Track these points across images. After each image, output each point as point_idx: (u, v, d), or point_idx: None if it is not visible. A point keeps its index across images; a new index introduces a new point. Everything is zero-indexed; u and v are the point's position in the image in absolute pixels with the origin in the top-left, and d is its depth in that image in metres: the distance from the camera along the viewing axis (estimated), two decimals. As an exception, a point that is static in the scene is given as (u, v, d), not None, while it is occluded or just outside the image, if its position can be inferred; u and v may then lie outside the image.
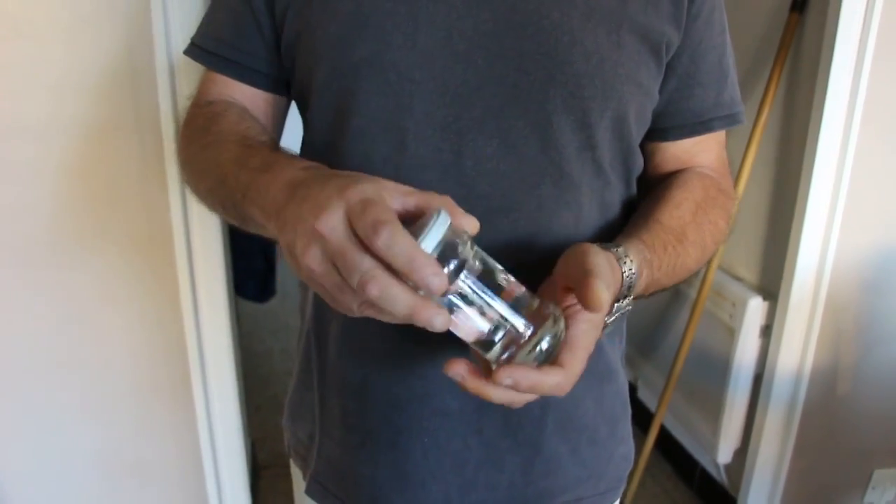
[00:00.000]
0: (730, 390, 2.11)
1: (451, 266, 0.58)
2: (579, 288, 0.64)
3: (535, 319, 0.62)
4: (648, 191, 0.92)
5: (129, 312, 1.51)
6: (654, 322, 2.54)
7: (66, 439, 1.57)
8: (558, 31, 0.77)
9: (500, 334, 0.62)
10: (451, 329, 0.62)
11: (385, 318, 0.59)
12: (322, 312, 0.91)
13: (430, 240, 0.56)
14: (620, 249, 0.73)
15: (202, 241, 1.49)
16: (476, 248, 0.62)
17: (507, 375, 0.61)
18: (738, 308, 2.05)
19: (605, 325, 0.74)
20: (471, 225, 0.62)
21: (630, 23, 0.80)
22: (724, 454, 2.21)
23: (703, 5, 0.84)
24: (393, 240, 0.54)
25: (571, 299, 0.67)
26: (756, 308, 2.02)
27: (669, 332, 2.46)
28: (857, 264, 1.89)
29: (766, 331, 2.03)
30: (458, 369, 0.63)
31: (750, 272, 2.18)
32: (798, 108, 1.94)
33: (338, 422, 0.92)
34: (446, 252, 0.58)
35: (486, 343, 0.63)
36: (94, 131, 1.37)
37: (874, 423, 2.02)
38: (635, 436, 1.04)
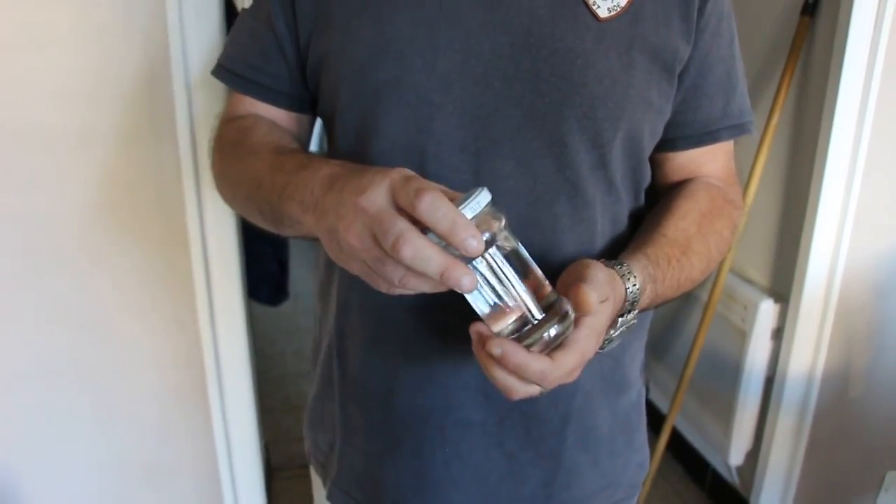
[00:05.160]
0: (741, 392, 2.11)
1: (484, 237, 0.60)
2: (570, 293, 0.67)
3: (549, 310, 0.66)
4: (655, 201, 0.93)
5: (147, 318, 1.53)
6: (666, 324, 2.54)
7: (83, 443, 1.59)
8: (572, 54, 0.79)
9: (513, 313, 0.65)
10: (472, 300, 0.65)
11: (422, 288, 0.61)
12: (344, 326, 0.93)
13: (470, 209, 0.60)
14: (624, 266, 0.76)
15: (218, 247, 1.51)
16: (508, 231, 0.64)
17: (497, 345, 0.64)
18: (750, 311, 2.05)
19: (611, 339, 0.77)
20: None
21: (641, 43, 0.81)
22: (736, 456, 2.21)
23: (710, 17, 0.85)
24: (435, 204, 0.57)
25: None
26: (767, 311, 2.02)
27: (681, 335, 2.46)
28: (868, 267, 1.89)
29: (778, 333, 2.04)
30: (481, 328, 0.66)
31: (761, 275, 2.18)
32: (809, 110, 1.94)
33: (360, 431, 0.94)
34: (481, 226, 0.61)
35: (498, 319, 0.66)
36: (112, 141, 1.39)
37: (886, 425, 2.02)
38: (648, 437, 1.05)
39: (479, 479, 0.90)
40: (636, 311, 0.78)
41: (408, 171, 0.63)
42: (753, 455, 2.17)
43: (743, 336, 2.09)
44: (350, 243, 0.61)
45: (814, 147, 1.83)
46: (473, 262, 0.62)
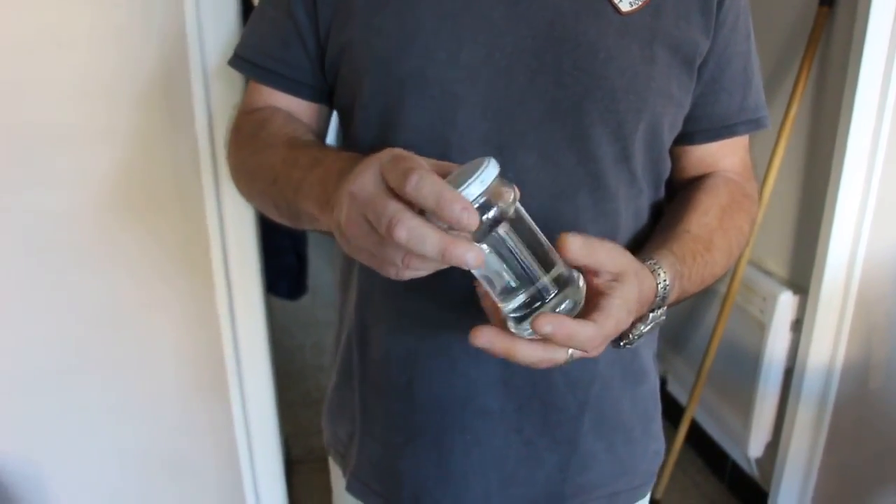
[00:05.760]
0: (760, 384, 2.10)
1: (492, 213, 0.59)
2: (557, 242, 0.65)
3: (560, 282, 0.64)
4: (673, 194, 0.94)
5: (167, 313, 1.54)
6: (685, 316, 2.54)
7: (106, 437, 1.60)
8: (595, 48, 0.79)
9: (525, 289, 0.64)
10: (479, 276, 0.64)
11: (427, 268, 0.61)
12: (364, 315, 0.93)
13: (480, 183, 0.58)
14: (654, 262, 0.76)
15: (237, 242, 1.52)
16: (518, 205, 0.62)
17: (546, 322, 0.61)
18: (769, 302, 2.04)
19: (641, 334, 0.77)
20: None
21: (663, 37, 0.82)
22: (756, 448, 2.21)
23: (728, 13, 0.86)
24: (421, 182, 0.55)
25: (603, 276, 0.68)
26: (786, 302, 2.01)
27: (700, 327, 2.46)
28: (888, 258, 1.87)
29: (797, 325, 2.03)
30: (486, 336, 0.64)
31: (780, 266, 2.17)
32: (828, 101, 1.93)
33: (380, 422, 0.95)
34: (490, 200, 0.59)
35: (510, 296, 0.64)
36: (131, 138, 1.40)
37: (907, 417, 2.01)
38: (666, 429, 1.06)
39: (498, 466, 0.91)
40: (665, 307, 0.78)
41: (398, 151, 0.61)
42: (773, 447, 2.17)
43: (762, 328, 2.08)
44: (351, 233, 0.61)
45: (833, 138, 1.82)
46: (482, 237, 0.61)
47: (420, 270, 0.61)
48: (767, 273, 2.19)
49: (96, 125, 1.38)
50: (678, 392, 2.61)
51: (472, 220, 0.55)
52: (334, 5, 0.84)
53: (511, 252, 0.62)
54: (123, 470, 1.64)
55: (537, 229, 0.64)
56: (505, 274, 0.63)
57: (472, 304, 0.74)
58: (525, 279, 0.63)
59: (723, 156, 0.95)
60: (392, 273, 0.62)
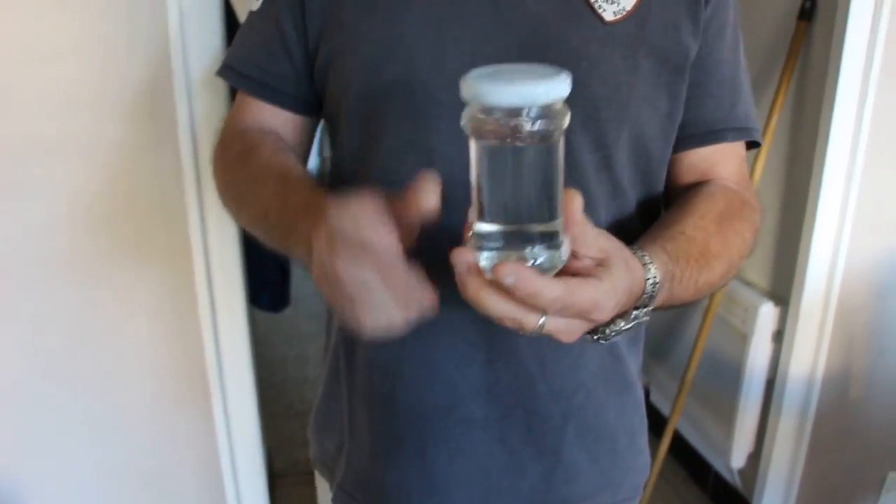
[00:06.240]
0: (742, 395, 2.12)
1: (538, 125, 0.55)
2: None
3: (545, 239, 0.59)
4: (669, 202, 0.93)
5: (150, 325, 1.54)
6: (667, 327, 2.55)
7: (86, 451, 1.59)
8: (576, 56, 0.80)
9: (510, 221, 0.59)
10: (477, 178, 0.59)
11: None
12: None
13: (554, 87, 0.55)
14: (646, 256, 0.72)
15: (220, 254, 1.52)
16: (562, 140, 0.58)
17: (510, 272, 0.56)
18: (750, 313, 2.06)
19: (619, 331, 0.72)
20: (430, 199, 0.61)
21: (648, 46, 0.82)
22: (738, 458, 2.21)
23: (714, 17, 0.86)
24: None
25: (583, 261, 0.64)
26: (768, 313, 2.03)
27: (682, 338, 2.47)
28: (867, 268, 1.89)
29: (778, 336, 2.04)
30: (464, 258, 0.59)
31: (761, 278, 2.19)
32: (807, 113, 1.95)
33: (366, 431, 0.95)
34: (548, 112, 0.55)
35: (492, 218, 0.59)
36: (114, 150, 1.40)
37: (887, 426, 2.02)
38: (649, 439, 1.05)
39: (482, 475, 0.91)
40: (651, 307, 0.73)
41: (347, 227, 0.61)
42: (755, 457, 2.18)
43: (744, 339, 2.09)
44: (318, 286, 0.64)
45: (812, 150, 1.84)
46: (515, 136, 0.55)
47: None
48: (748, 284, 2.21)
49: (79, 137, 1.38)
50: (661, 403, 2.61)
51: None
52: (323, 15, 0.85)
53: (526, 173, 0.57)
54: (104, 485, 1.63)
55: (561, 178, 0.59)
56: (505, 189, 0.58)
57: (456, 313, 0.74)
58: (518, 210, 0.58)
59: (716, 162, 0.93)
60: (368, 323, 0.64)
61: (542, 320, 0.60)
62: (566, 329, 0.62)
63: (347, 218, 0.60)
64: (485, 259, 0.59)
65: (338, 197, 0.63)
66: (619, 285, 0.63)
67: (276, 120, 0.93)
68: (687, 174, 0.95)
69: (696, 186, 0.93)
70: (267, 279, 2.18)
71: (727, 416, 2.20)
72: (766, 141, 1.99)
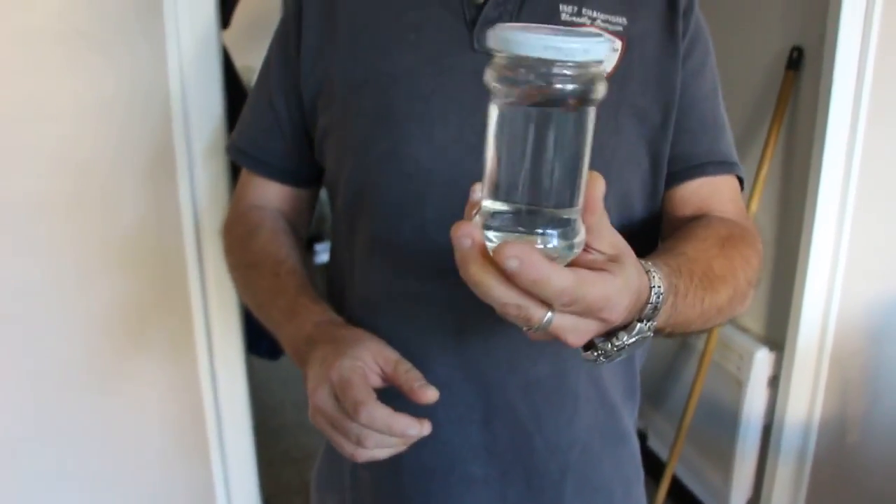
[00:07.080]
0: (740, 441, 2.11)
1: (571, 87, 0.49)
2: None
3: (560, 224, 0.53)
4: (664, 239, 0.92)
5: (148, 377, 1.54)
6: (663, 373, 2.55)
7: (85, 502, 1.58)
8: None
9: (525, 200, 0.52)
10: (495, 147, 0.54)
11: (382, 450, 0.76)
12: None
13: (593, 47, 0.48)
14: (648, 264, 0.67)
15: (218, 303, 1.53)
16: (594, 110, 0.52)
17: (514, 255, 0.49)
18: (746, 360, 2.07)
19: (622, 347, 0.66)
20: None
21: (627, 106, 0.84)
22: (737, 504, 2.21)
23: (691, 53, 0.87)
24: (371, 415, 0.70)
25: (595, 255, 0.59)
26: (763, 359, 2.03)
27: (678, 383, 2.47)
28: (861, 313, 1.91)
29: (774, 381, 2.05)
30: (469, 230, 0.53)
31: (756, 323, 2.20)
32: (797, 160, 1.98)
33: (369, 491, 0.95)
34: (584, 76, 0.49)
35: (505, 195, 0.53)
36: (112, 204, 1.42)
37: (885, 470, 2.02)
38: (647, 485, 1.06)
39: None
40: (655, 321, 0.66)
41: (345, 371, 0.74)
42: (754, 503, 2.17)
43: (739, 384, 2.10)
44: (315, 421, 0.76)
45: (803, 196, 1.86)
46: (541, 96, 0.49)
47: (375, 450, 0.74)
48: (743, 330, 2.22)
49: (81, 194, 1.40)
50: (659, 448, 2.60)
51: (413, 430, 0.73)
52: (316, 89, 0.89)
53: (551, 144, 0.50)
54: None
55: (587, 159, 0.53)
56: (524, 161, 0.51)
57: (454, 375, 0.75)
58: (536, 188, 0.51)
59: (707, 196, 0.92)
60: (348, 450, 0.74)
61: (548, 315, 0.54)
62: (574, 328, 0.56)
63: (340, 385, 0.73)
64: (490, 239, 0.53)
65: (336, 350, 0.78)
66: (632, 284, 0.58)
67: (275, 194, 1.00)
68: (681, 208, 0.93)
69: (695, 219, 0.91)
70: (265, 327, 2.19)
71: (725, 461, 2.19)
72: (758, 188, 2.01)
